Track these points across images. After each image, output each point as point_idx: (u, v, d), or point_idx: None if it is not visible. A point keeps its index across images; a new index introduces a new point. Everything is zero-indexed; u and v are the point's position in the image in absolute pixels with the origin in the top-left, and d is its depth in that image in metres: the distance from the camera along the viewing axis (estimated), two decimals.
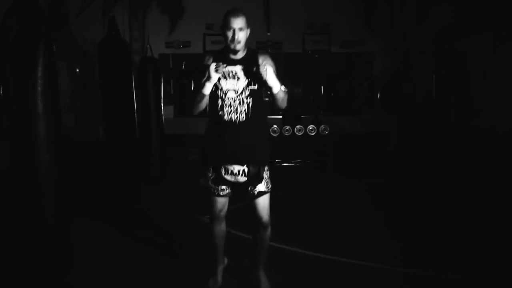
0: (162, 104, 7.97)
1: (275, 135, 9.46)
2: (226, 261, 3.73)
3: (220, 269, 3.61)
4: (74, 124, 8.77)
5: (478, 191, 6.14)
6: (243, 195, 3.31)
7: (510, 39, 7.28)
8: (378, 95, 10.48)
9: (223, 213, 3.40)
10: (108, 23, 6.37)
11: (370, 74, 11.14)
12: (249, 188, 3.25)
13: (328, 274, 3.91)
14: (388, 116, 10.16)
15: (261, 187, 3.26)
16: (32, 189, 3.55)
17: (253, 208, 3.29)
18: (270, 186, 3.31)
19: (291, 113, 9.95)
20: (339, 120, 10.29)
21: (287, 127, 9.59)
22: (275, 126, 9.38)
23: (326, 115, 10.43)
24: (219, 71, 3.06)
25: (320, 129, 9.57)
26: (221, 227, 3.47)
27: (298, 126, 9.62)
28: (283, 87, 3.14)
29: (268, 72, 3.02)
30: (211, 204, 3.36)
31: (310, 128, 9.59)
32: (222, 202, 3.36)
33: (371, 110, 10.99)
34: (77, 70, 9.05)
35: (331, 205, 6.30)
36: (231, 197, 3.40)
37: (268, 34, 10.63)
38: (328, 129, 9.55)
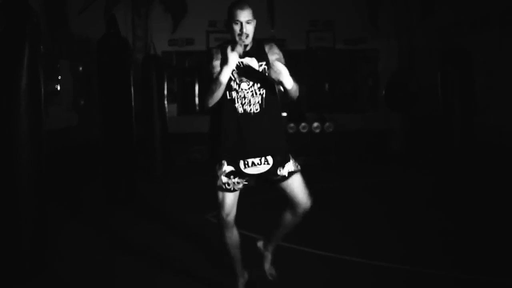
0: (165, 102, 7.95)
1: None
2: (246, 275, 3.38)
3: (241, 283, 3.33)
4: (78, 123, 8.76)
5: (481, 189, 6.11)
6: (267, 184, 3.15)
7: None
8: (383, 93, 10.44)
9: (230, 217, 3.08)
10: (107, 21, 6.36)
11: (374, 72, 11.10)
12: (278, 171, 3.06)
13: (330, 272, 3.89)
14: (393, 114, 10.12)
15: (290, 166, 3.09)
16: (10, 186, 3.57)
17: (291, 193, 3.10)
18: (299, 166, 3.14)
19: (296, 111, 9.93)
20: (343, 117, 10.25)
21: (292, 125, 9.57)
22: None
23: (330, 113, 10.40)
24: (237, 50, 2.90)
25: (324, 126, 9.54)
26: (233, 234, 3.15)
27: (302, 124, 9.59)
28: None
29: (282, 71, 2.89)
30: (219, 204, 3.07)
31: (315, 125, 9.56)
32: (231, 200, 3.06)
33: (375, 108, 10.95)
34: (80, 68, 9.04)
35: (334, 204, 6.27)
36: (244, 191, 3.16)
37: (272, 31, 10.59)
38: (333, 126, 9.52)
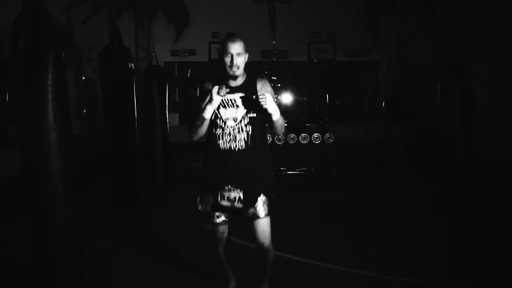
0: (167, 112, 7.99)
1: (279, 143, 9.48)
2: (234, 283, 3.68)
3: (232, 286, 3.65)
4: (80, 132, 8.80)
5: (481, 201, 6.13)
6: (242, 220, 3.26)
7: None
8: (383, 104, 10.49)
9: (225, 235, 3.37)
10: (111, 31, 6.42)
11: (375, 83, 11.16)
12: (245, 211, 3.17)
13: (328, 283, 3.90)
14: (393, 125, 10.16)
15: (258, 209, 3.15)
16: (45, 196, 3.54)
17: (253, 233, 3.20)
18: (268, 211, 3.18)
19: (296, 121, 9.98)
20: (343, 128, 10.30)
21: (292, 135, 9.60)
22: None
23: (331, 124, 10.44)
24: (221, 93, 3.00)
25: (325, 137, 9.57)
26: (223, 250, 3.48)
27: (303, 134, 9.63)
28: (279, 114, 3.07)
29: (268, 100, 2.96)
30: (212, 230, 3.36)
31: (315, 136, 9.60)
32: (223, 228, 3.33)
33: (376, 119, 11.00)
34: (83, 78, 9.10)
35: (333, 215, 6.29)
36: (230, 222, 3.35)
37: (273, 42, 10.68)
38: (333, 137, 9.55)
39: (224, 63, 3.07)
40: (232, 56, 3.04)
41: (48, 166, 3.52)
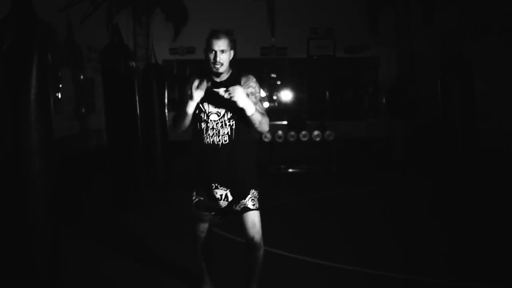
0: (166, 110, 7.96)
1: (280, 140, 9.43)
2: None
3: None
4: (79, 131, 8.77)
5: (483, 195, 6.09)
6: (228, 217, 3.26)
7: None
8: (383, 100, 10.45)
9: (204, 234, 3.38)
10: (111, 30, 6.38)
11: (375, 79, 11.13)
12: (234, 206, 3.16)
13: (328, 281, 3.88)
14: (394, 121, 10.11)
15: (247, 203, 3.15)
16: (24, 195, 3.53)
17: (242, 227, 3.17)
18: (258, 205, 3.18)
19: (296, 119, 9.93)
20: (344, 125, 10.27)
21: (292, 133, 9.55)
22: (280, 131, 9.34)
23: (331, 121, 10.40)
24: (201, 88, 3.03)
25: (325, 134, 9.53)
26: (204, 252, 3.46)
27: (303, 132, 9.58)
28: (259, 108, 3.06)
29: (237, 94, 2.96)
30: (193, 227, 3.37)
31: (315, 133, 9.55)
32: (204, 227, 3.35)
33: (377, 115, 10.96)
34: (81, 77, 9.07)
35: (334, 212, 6.25)
36: (213, 222, 3.35)
37: (273, 39, 10.63)
38: (333, 134, 9.51)
39: (208, 60, 3.10)
40: (215, 52, 3.06)
41: (29, 166, 3.50)
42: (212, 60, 3.07)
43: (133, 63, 6.38)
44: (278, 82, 11.59)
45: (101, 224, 5.75)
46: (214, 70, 3.09)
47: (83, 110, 9.10)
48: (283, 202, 6.58)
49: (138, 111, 6.44)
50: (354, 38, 10.70)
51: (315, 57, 10.92)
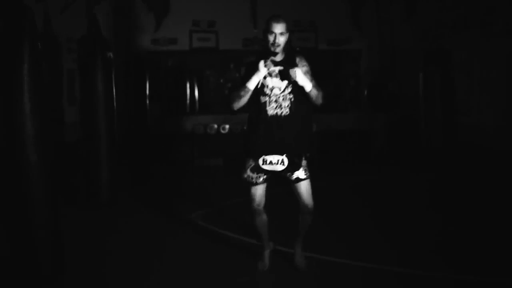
0: (147, 102, 7.89)
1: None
2: (272, 245, 4.00)
3: (267, 253, 3.92)
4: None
5: (463, 187, 6.16)
6: (282, 180, 3.63)
7: (496, 36, 7.30)
8: (365, 93, 10.49)
9: (261, 206, 3.69)
10: (89, 21, 6.29)
11: (357, 72, 11.14)
12: (288, 175, 3.58)
13: (320, 274, 3.89)
14: (375, 114, 10.16)
15: (299, 173, 3.58)
16: (22, 189, 3.51)
17: (297, 195, 3.63)
18: (309, 174, 3.62)
19: None
20: (325, 117, 10.25)
21: None
22: None
23: (313, 113, 10.38)
24: (268, 66, 3.44)
25: None
26: (262, 218, 3.77)
27: None
28: (315, 84, 3.50)
29: (298, 73, 3.39)
30: (250, 196, 3.67)
31: None
32: (260, 191, 3.64)
33: (358, 108, 10.99)
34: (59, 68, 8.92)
35: (317, 204, 6.26)
36: (269, 184, 3.67)
37: (255, 31, 10.57)
38: (315, 126, 9.49)
39: (267, 41, 3.50)
40: (275, 35, 3.45)
41: (25, 159, 3.46)
42: (271, 41, 3.47)
43: (111, 54, 6.28)
44: None
45: (76, 217, 5.70)
46: (272, 49, 3.49)
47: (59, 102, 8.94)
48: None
49: (115, 103, 6.32)
50: (337, 31, 10.70)
51: (297, 49, 10.89)
